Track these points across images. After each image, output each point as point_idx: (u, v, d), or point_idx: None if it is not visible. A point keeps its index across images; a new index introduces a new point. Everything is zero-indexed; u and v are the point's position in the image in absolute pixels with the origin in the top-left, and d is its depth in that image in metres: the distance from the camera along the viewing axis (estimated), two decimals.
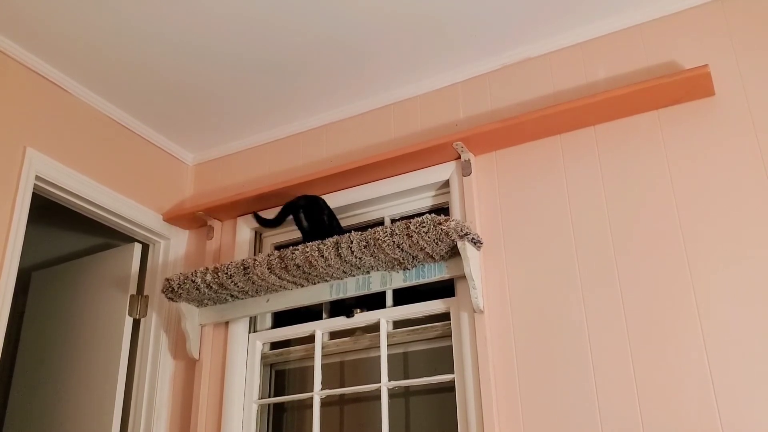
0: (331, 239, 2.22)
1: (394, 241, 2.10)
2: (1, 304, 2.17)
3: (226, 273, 2.36)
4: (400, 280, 2.25)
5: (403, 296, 2.38)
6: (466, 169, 2.35)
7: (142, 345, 2.75)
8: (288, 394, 2.61)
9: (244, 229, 2.75)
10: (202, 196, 2.97)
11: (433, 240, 2.07)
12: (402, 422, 2.38)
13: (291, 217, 2.45)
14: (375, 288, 2.28)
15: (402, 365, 2.40)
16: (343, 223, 2.52)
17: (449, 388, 2.18)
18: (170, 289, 2.46)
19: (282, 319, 2.62)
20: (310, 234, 2.37)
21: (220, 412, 2.47)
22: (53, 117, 2.50)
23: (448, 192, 2.41)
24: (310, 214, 2.41)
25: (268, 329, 2.62)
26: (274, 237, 2.75)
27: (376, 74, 2.58)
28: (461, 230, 2.07)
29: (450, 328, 2.22)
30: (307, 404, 2.49)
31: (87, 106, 2.63)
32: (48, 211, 2.81)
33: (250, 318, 2.61)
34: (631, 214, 2.08)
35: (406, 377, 2.36)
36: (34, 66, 2.43)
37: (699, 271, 1.93)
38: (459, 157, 2.38)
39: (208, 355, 2.59)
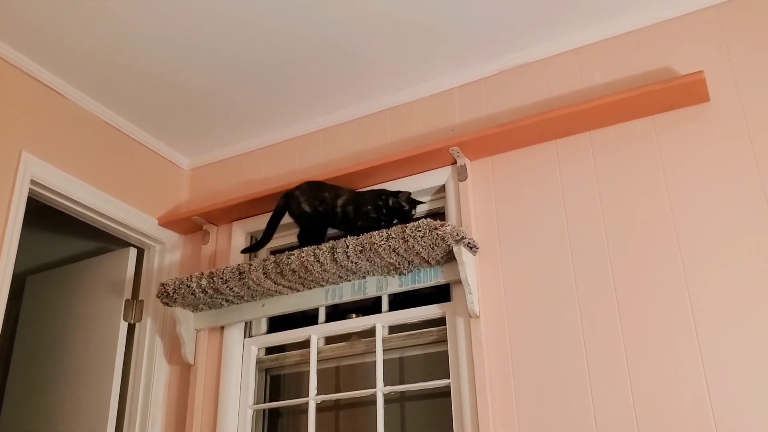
0: (326, 244, 2.22)
1: (390, 246, 2.10)
2: None
3: (222, 278, 2.35)
4: (396, 284, 2.24)
5: (399, 301, 2.38)
6: (461, 174, 2.35)
7: (137, 350, 2.74)
8: (283, 399, 2.59)
9: (240, 233, 2.74)
10: (198, 201, 2.96)
11: (429, 245, 2.07)
12: (397, 428, 2.37)
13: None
14: (371, 293, 2.28)
15: (398, 370, 2.40)
16: None
17: (445, 393, 2.17)
18: (165, 293, 2.45)
19: (277, 324, 2.62)
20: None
21: (215, 417, 2.46)
22: (49, 121, 2.49)
23: (444, 197, 2.41)
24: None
25: (264, 334, 2.62)
26: (270, 242, 2.74)
27: (372, 79, 2.58)
28: (457, 235, 2.07)
29: (445, 333, 2.22)
30: (303, 409, 2.48)
31: (83, 110, 2.63)
32: (43, 215, 2.80)
33: (246, 323, 2.61)
34: (627, 220, 2.08)
35: (402, 382, 2.36)
36: (30, 70, 2.43)
37: (694, 275, 1.94)
38: (455, 162, 2.38)
39: (203, 360, 2.59)
